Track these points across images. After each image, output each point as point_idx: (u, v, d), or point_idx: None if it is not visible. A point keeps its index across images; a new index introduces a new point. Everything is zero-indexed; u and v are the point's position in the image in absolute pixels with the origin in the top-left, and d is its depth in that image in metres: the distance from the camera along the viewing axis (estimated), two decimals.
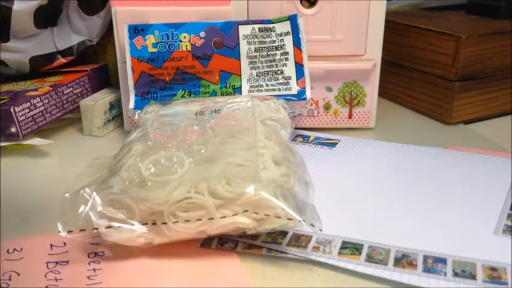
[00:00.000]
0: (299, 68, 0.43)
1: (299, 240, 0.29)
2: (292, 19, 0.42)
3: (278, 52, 0.43)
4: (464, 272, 0.27)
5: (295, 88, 0.42)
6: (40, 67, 0.50)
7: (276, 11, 0.44)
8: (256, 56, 0.43)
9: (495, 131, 0.48)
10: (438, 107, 0.50)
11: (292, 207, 0.27)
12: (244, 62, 0.43)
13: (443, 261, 0.28)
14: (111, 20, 0.45)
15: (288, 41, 0.43)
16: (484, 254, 0.28)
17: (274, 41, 0.43)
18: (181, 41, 0.42)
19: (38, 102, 0.44)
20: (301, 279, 0.27)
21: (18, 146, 0.43)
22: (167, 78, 0.43)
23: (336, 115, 0.48)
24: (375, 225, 0.31)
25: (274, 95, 0.42)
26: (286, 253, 0.28)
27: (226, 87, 0.43)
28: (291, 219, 0.27)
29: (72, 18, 0.52)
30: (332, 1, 0.43)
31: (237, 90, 0.43)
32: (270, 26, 0.43)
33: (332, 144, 0.44)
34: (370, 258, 0.28)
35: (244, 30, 0.43)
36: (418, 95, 0.52)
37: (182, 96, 0.43)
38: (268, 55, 0.43)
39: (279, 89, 0.43)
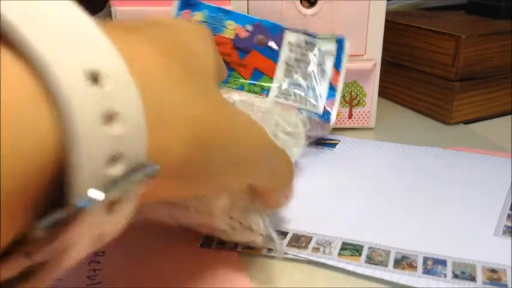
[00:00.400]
0: (332, 89, 0.42)
1: (299, 241, 0.29)
2: (340, 42, 0.42)
3: (316, 68, 0.42)
4: (464, 273, 0.27)
5: (321, 107, 0.42)
6: None
7: (276, 11, 0.44)
8: (294, 65, 0.42)
9: (495, 131, 0.48)
10: (438, 107, 0.50)
11: (266, 225, 0.27)
12: (281, 68, 0.42)
13: (443, 262, 0.28)
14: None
15: (329, 61, 0.42)
16: (483, 255, 0.28)
17: (315, 55, 0.42)
18: (226, 27, 0.42)
19: None
20: (301, 279, 0.27)
21: None
22: None
23: (336, 115, 0.47)
24: (375, 226, 0.31)
25: (299, 108, 0.41)
26: (286, 253, 0.28)
27: (255, 85, 0.42)
28: (261, 238, 0.27)
29: None
30: (332, 1, 0.43)
31: (265, 91, 0.42)
32: (316, 40, 0.42)
33: (332, 145, 0.44)
34: (370, 260, 0.28)
35: (290, 37, 0.42)
36: (418, 95, 0.52)
37: None
38: (306, 67, 0.42)
39: (306, 104, 0.42)
